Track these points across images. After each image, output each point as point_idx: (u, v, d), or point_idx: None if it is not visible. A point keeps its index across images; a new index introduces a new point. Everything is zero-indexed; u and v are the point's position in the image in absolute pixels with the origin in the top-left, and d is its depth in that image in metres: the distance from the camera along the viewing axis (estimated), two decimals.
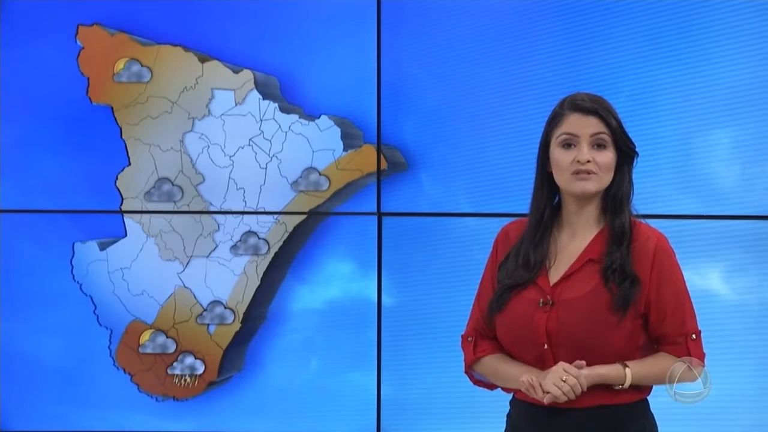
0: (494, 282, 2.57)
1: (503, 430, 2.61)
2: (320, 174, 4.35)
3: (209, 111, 4.37)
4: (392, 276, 4.32)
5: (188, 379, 4.38)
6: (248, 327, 4.37)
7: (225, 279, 4.37)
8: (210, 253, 4.38)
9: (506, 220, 2.67)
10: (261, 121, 4.36)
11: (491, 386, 2.62)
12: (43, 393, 4.40)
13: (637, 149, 2.53)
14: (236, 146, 4.36)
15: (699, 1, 4.18)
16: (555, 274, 2.51)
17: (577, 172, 2.48)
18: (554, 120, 2.53)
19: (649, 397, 2.54)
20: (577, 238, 2.53)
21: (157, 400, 4.40)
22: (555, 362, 2.45)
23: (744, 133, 4.18)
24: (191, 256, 4.38)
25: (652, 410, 2.55)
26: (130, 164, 4.39)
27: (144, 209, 4.38)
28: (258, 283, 4.37)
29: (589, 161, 2.47)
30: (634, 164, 2.55)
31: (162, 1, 4.37)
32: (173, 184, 4.38)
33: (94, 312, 4.39)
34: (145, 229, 4.39)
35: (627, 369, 2.45)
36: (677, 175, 4.20)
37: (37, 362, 4.40)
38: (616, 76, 4.20)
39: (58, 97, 4.38)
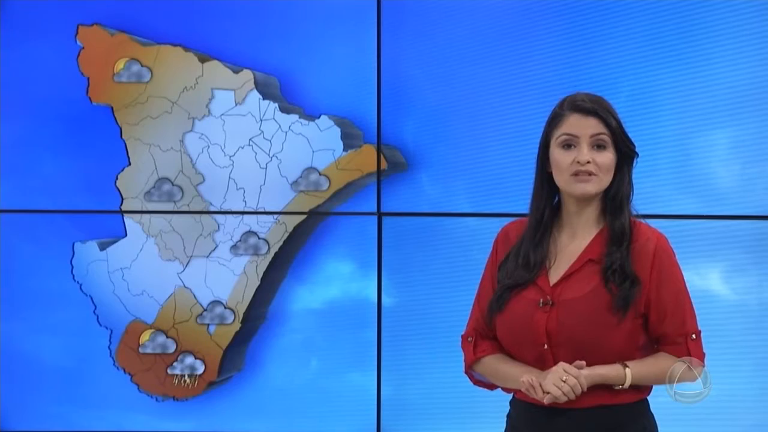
0: (494, 282, 2.57)
1: (503, 430, 2.61)
2: (320, 174, 4.35)
3: (209, 111, 4.37)
4: (392, 276, 4.32)
5: (188, 379, 4.38)
6: (248, 327, 4.37)
7: (225, 279, 4.37)
8: (210, 253, 4.38)
9: (506, 220, 2.67)
10: (261, 121, 4.36)
11: (491, 386, 2.62)
12: (43, 393, 4.40)
13: (636, 150, 2.53)
14: (236, 146, 4.36)
15: (699, 1, 4.18)
16: (555, 275, 2.51)
17: (576, 173, 2.48)
18: (554, 120, 2.53)
19: (649, 397, 2.54)
20: (577, 238, 2.53)
21: (157, 400, 4.40)
22: (555, 362, 2.45)
23: (744, 133, 4.18)
24: (191, 256, 4.38)
25: (652, 410, 2.55)
26: (130, 164, 4.39)
27: (144, 209, 4.38)
28: (258, 283, 4.37)
29: (588, 162, 2.47)
30: (634, 165, 2.55)
31: (162, 1, 4.37)
32: (173, 184, 4.38)
33: (94, 312, 4.39)
34: (145, 229, 4.39)
35: (627, 369, 2.45)
36: (677, 175, 4.20)
37: (37, 362, 4.40)
38: (616, 76, 4.20)
39: (58, 97, 4.38)
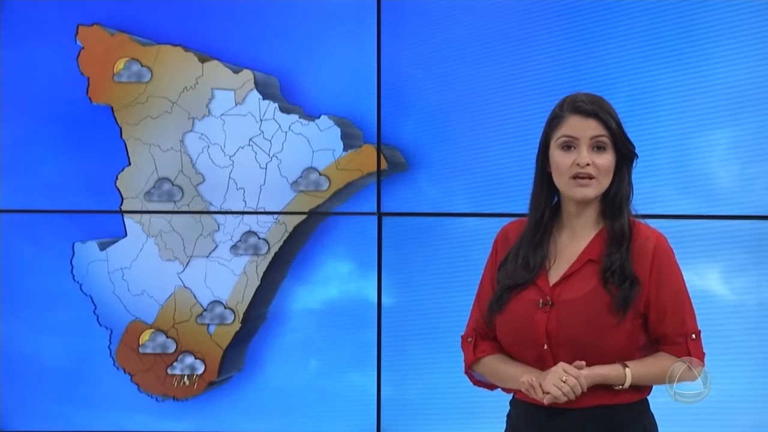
0: (494, 282, 2.57)
1: (503, 430, 2.61)
2: (320, 174, 4.35)
3: (209, 111, 4.37)
4: (392, 276, 4.32)
5: (188, 380, 4.38)
6: (248, 327, 4.37)
7: (225, 279, 4.37)
8: (210, 253, 4.38)
9: (506, 220, 2.67)
10: (261, 121, 4.36)
11: (491, 386, 2.62)
12: (43, 393, 4.40)
13: (636, 151, 2.53)
14: (236, 146, 4.36)
15: (699, 1, 4.18)
16: (555, 275, 2.51)
17: (576, 176, 2.48)
18: (554, 121, 2.52)
19: (649, 397, 2.54)
20: (576, 238, 2.53)
21: (157, 400, 4.40)
22: (555, 362, 2.45)
23: (743, 133, 4.18)
24: (191, 256, 4.38)
25: (652, 410, 2.55)
26: (130, 164, 4.39)
27: (144, 209, 4.38)
28: (258, 283, 4.37)
29: (588, 164, 2.47)
30: (634, 166, 2.54)
31: (162, 1, 4.37)
32: (173, 184, 4.39)
33: (94, 312, 4.39)
34: (145, 229, 4.39)
35: (627, 369, 2.45)
36: (677, 175, 4.20)
37: (37, 362, 4.40)
38: (616, 76, 4.20)
39: (58, 97, 4.38)
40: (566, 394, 2.41)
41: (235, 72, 4.36)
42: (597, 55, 4.22)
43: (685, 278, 2.52)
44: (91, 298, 4.39)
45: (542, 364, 2.47)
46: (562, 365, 2.42)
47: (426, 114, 4.30)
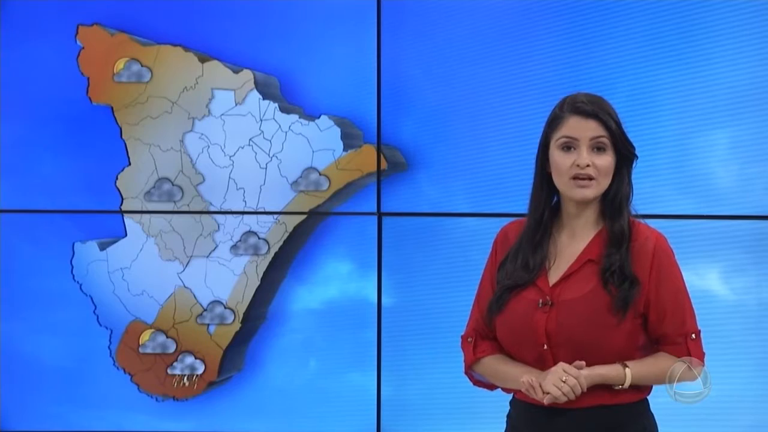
0: (494, 283, 2.57)
1: (503, 430, 2.61)
2: (320, 174, 4.35)
3: (209, 111, 4.37)
4: (392, 276, 4.32)
5: (187, 380, 4.38)
6: (248, 327, 4.37)
7: (225, 279, 4.37)
8: (210, 253, 4.38)
9: (506, 220, 2.67)
10: (261, 121, 4.36)
11: (491, 387, 2.62)
12: (43, 393, 4.40)
13: (636, 152, 2.53)
14: (236, 146, 4.36)
15: (699, 1, 4.18)
16: (554, 275, 2.51)
17: (576, 177, 2.48)
18: (554, 122, 2.52)
19: (649, 397, 2.54)
20: (576, 238, 2.53)
21: (157, 400, 4.40)
22: (555, 363, 2.45)
23: (743, 133, 4.18)
24: (191, 256, 4.38)
25: (652, 410, 2.55)
26: (130, 164, 4.39)
27: (144, 209, 4.38)
28: (258, 283, 4.37)
29: (588, 166, 2.47)
30: (634, 166, 2.54)
31: (162, 1, 4.37)
32: (173, 184, 4.39)
33: (94, 312, 4.40)
34: (145, 229, 4.39)
35: (627, 369, 2.45)
36: (676, 175, 4.20)
37: (37, 362, 4.40)
38: (616, 76, 4.20)
39: (58, 97, 4.38)
40: (566, 394, 2.41)
41: (235, 72, 4.36)
42: (597, 55, 4.22)
43: (684, 278, 2.52)
44: (91, 298, 4.39)
45: (542, 364, 2.47)
46: (561, 365, 2.42)
47: (426, 114, 4.30)
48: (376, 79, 4.30)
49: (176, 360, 4.39)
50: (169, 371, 4.39)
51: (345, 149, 4.34)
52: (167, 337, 4.39)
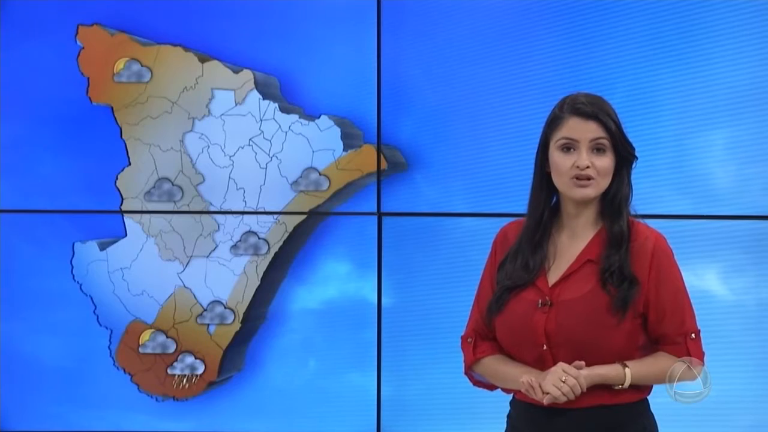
0: (493, 283, 2.57)
1: (503, 430, 2.61)
2: (320, 174, 4.35)
3: (209, 111, 4.38)
4: (392, 276, 4.32)
5: (187, 381, 4.38)
6: (248, 327, 4.37)
7: (225, 279, 4.37)
8: (210, 253, 4.38)
9: (506, 221, 2.67)
10: (261, 121, 4.36)
11: (491, 387, 2.62)
12: (43, 393, 4.40)
13: (636, 153, 2.53)
14: (236, 146, 4.36)
15: (699, 1, 4.18)
16: (554, 275, 2.51)
17: (576, 177, 2.48)
18: (553, 123, 2.52)
19: (649, 397, 2.54)
20: (576, 238, 2.53)
21: (157, 400, 4.40)
22: (554, 363, 2.45)
23: (743, 134, 4.18)
24: (191, 256, 4.38)
25: (652, 410, 2.55)
26: (130, 164, 4.39)
27: (144, 209, 4.38)
28: (258, 283, 4.37)
29: (588, 167, 2.47)
30: (633, 167, 2.54)
31: (162, 1, 4.37)
32: (173, 184, 4.39)
33: (94, 312, 4.40)
34: (145, 229, 4.39)
35: (626, 369, 2.45)
36: (676, 175, 4.20)
37: (37, 362, 4.40)
38: (616, 76, 4.20)
39: (58, 97, 4.38)
40: (566, 394, 2.41)
41: (235, 72, 4.36)
42: (597, 55, 4.22)
43: (684, 278, 2.52)
44: (91, 298, 4.39)
45: (542, 364, 2.47)
46: (561, 365, 2.42)
47: (426, 114, 4.30)
48: (376, 79, 4.30)
49: (176, 360, 4.39)
50: (169, 371, 4.39)
51: (345, 149, 4.34)
52: (167, 337, 4.39)
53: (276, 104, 4.35)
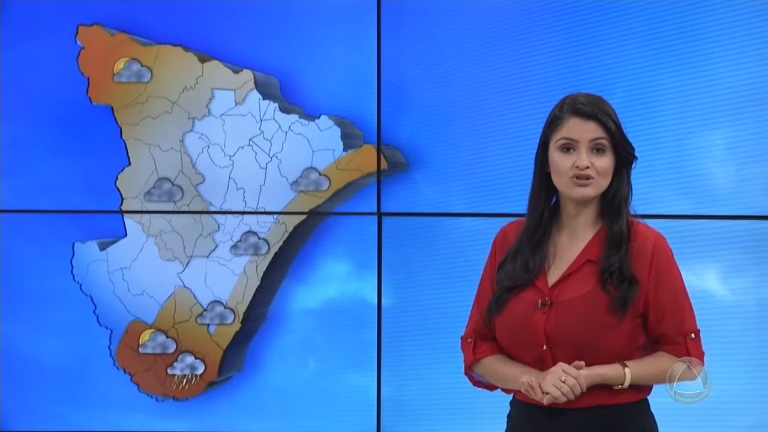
0: (493, 283, 2.57)
1: (503, 430, 2.61)
2: (320, 174, 4.35)
3: (209, 111, 4.38)
4: (392, 276, 4.32)
5: (187, 381, 4.38)
6: (248, 327, 4.37)
7: (225, 279, 4.37)
8: (210, 253, 4.38)
9: (506, 221, 2.67)
10: (261, 121, 4.36)
11: (491, 387, 2.62)
12: (43, 393, 4.40)
13: (635, 153, 2.53)
14: (236, 146, 4.36)
15: (699, 1, 4.18)
16: (554, 275, 2.51)
17: (576, 177, 2.48)
18: (553, 123, 2.52)
19: (649, 397, 2.54)
20: (575, 238, 2.53)
21: (157, 400, 4.40)
22: (554, 363, 2.45)
23: (743, 134, 4.18)
24: (191, 256, 4.38)
25: (652, 410, 2.55)
26: (130, 164, 4.39)
27: (144, 209, 4.38)
28: (258, 283, 4.37)
29: (588, 167, 2.47)
30: (633, 167, 2.54)
31: (162, 1, 4.37)
32: (173, 184, 4.39)
33: (94, 312, 4.40)
34: (145, 229, 4.39)
35: (626, 369, 2.45)
36: (675, 175, 4.20)
37: (37, 362, 4.41)
38: (616, 76, 4.20)
39: (58, 97, 4.38)
40: (565, 394, 2.41)
41: (235, 72, 4.36)
42: (597, 55, 4.22)
43: (683, 278, 2.52)
44: (91, 298, 4.39)
45: (542, 364, 2.47)
46: (561, 365, 2.42)
47: (426, 114, 4.30)
48: (376, 79, 4.30)
49: (176, 360, 4.39)
50: (169, 371, 4.39)
51: (345, 149, 4.34)
52: (167, 337, 4.39)
53: (276, 104, 4.35)
